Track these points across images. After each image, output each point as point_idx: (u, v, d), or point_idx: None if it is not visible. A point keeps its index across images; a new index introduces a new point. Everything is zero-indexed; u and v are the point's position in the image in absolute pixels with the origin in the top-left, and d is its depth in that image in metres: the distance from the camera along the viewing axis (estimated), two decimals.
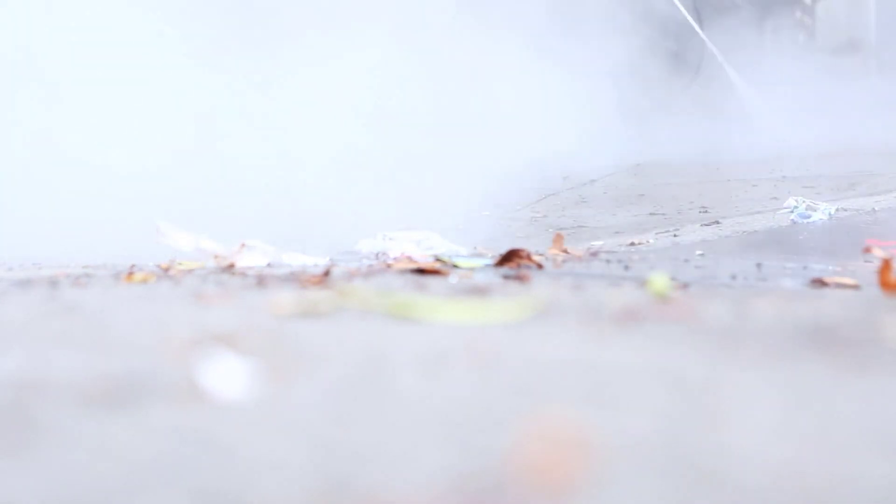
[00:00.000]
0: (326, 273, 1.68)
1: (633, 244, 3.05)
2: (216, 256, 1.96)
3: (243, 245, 1.99)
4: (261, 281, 1.56)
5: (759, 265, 2.25)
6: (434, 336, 1.00)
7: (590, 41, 6.08)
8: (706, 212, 3.72)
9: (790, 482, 0.53)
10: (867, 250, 2.46)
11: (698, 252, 2.78)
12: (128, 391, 0.75)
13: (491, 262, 2.06)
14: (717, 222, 3.37)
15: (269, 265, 1.95)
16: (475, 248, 2.57)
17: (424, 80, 4.91)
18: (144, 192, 3.73)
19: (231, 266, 1.93)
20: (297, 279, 1.59)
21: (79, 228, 3.39)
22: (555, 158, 5.26)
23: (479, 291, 1.39)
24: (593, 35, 6.20)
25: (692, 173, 5.00)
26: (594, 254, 2.46)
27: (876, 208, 3.53)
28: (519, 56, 5.46)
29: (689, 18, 9.92)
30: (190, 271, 1.84)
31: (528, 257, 1.98)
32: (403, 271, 1.79)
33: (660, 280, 1.37)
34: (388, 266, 1.95)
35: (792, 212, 3.46)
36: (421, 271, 1.78)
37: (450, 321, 1.08)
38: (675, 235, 3.22)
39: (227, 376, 0.78)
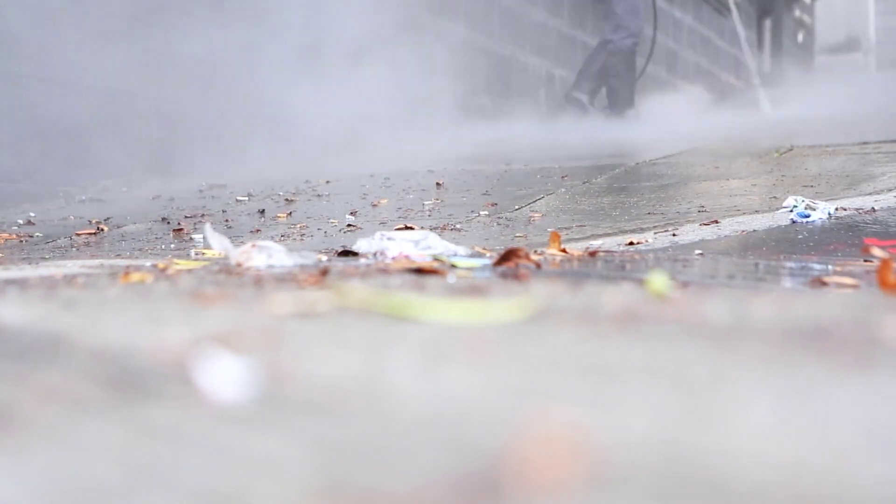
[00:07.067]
0: (324, 272, 1.68)
1: (631, 244, 3.05)
2: (221, 255, 1.96)
3: (254, 245, 1.98)
4: (258, 281, 1.56)
5: (757, 265, 2.25)
6: (432, 335, 0.99)
7: None
8: (705, 211, 3.72)
9: (789, 483, 0.53)
10: (867, 250, 2.46)
11: (697, 251, 2.78)
12: (123, 391, 0.75)
13: (489, 261, 2.06)
14: (717, 222, 3.37)
15: (269, 266, 1.95)
16: (473, 247, 2.57)
17: None
18: None
19: (239, 265, 1.92)
20: (294, 279, 1.58)
21: None
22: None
23: (478, 291, 1.38)
24: None
25: (691, 172, 5.00)
26: (592, 253, 2.46)
27: (876, 208, 3.52)
28: None
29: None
30: (189, 271, 1.84)
31: (527, 257, 1.98)
32: (402, 271, 1.79)
33: (659, 279, 1.37)
34: (387, 266, 1.94)
35: (791, 211, 3.46)
36: (419, 271, 1.78)
37: (448, 321, 1.08)
38: (673, 235, 3.21)
39: (224, 376, 0.77)
